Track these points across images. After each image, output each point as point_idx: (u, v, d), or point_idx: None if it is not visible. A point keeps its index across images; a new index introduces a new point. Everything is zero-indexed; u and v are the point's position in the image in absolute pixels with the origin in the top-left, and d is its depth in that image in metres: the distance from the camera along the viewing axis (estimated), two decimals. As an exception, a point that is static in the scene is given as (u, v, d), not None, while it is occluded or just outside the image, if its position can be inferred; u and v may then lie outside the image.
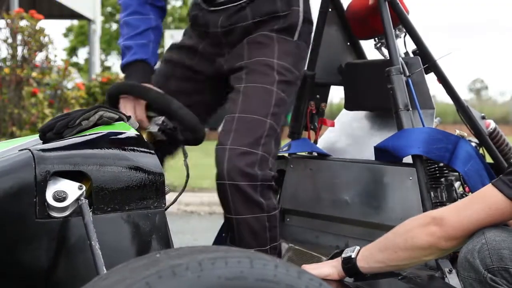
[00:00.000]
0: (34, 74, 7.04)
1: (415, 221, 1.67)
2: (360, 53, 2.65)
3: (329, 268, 1.77)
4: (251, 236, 1.97)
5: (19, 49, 6.93)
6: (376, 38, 2.51)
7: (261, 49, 2.09)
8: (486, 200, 1.60)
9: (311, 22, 2.22)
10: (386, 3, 2.26)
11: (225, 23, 2.14)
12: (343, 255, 1.75)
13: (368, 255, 1.72)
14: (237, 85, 2.07)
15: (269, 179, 1.98)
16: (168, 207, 1.91)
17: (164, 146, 2.09)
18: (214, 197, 3.15)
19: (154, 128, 1.99)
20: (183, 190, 2.03)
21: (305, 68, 2.43)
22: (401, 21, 2.32)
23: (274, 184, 2.02)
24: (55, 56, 7.32)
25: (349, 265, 1.73)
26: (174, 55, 2.29)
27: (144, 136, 1.96)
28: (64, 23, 33.48)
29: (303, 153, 2.54)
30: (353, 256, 1.73)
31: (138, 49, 2.11)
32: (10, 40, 6.92)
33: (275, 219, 2.01)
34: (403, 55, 2.41)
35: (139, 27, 2.13)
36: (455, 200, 2.10)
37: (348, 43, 2.63)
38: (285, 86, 2.06)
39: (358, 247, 1.76)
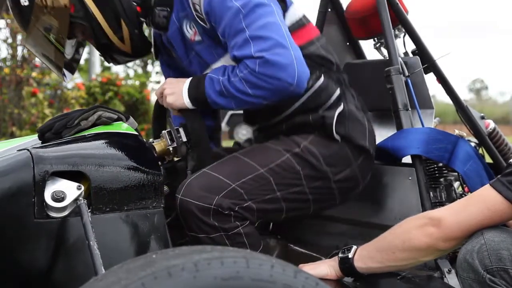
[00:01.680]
0: (34, 74, 7.04)
1: (413, 222, 1.66)
2: (359, 53, 2.65)
3: (327, 267, 1.77)
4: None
5: (19, 49, 6.93)
6: (375, 38, 2.51)
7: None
8: (484, 201, 1.59)
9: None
10: (386, 3, 2.25)
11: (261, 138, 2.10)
12: (340, 255, 1.75)
13: (366, 255, 1.72)
14: None
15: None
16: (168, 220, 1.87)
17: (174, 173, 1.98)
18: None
19: (164, 135, 1.94)
20: None
21: None
22: (400, 21, 2.32)
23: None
24: (55, 56, 7.31)
25: (346, 265, 1.73)
26: None
27: (157, 147, 1.92)
28: (65, 23, 33.39)
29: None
30: (350, 256, 1.73)
31: None
32: (10, 40, 6.93)
33: (240, 236, 1.86)
34: (402, 55, 2.40)
35: None
36: (454, 200, 2.09)
37: (348, 43, 2.63)
38: None
39: (355, 247, 1.75)
